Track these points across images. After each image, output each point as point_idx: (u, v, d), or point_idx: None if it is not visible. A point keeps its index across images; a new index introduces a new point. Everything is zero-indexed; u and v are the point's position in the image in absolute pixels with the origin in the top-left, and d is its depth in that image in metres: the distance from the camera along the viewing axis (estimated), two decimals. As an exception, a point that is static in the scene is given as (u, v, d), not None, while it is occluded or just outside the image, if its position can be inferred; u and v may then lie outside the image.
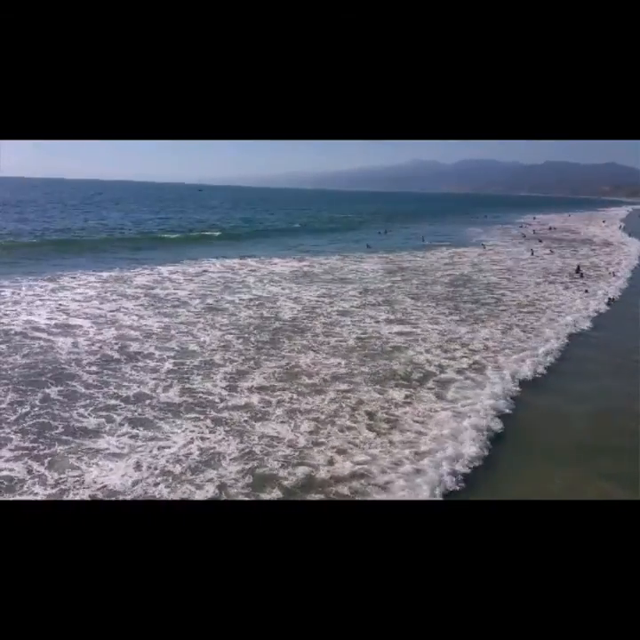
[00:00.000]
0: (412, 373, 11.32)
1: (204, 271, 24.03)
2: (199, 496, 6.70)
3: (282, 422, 8.87)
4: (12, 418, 8.64)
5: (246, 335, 13.77)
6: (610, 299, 19.94)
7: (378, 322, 15.69)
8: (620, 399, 10.43)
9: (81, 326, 14.06)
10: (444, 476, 7.32)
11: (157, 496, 6.69)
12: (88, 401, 9.41)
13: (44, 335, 13.06)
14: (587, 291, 21.68)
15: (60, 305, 16.29)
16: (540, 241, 42.28)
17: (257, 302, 17.83)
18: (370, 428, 8.76)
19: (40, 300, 16.85)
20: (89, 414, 8.90)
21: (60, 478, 7.01)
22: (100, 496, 6.68)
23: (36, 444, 7.83)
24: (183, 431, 8.41)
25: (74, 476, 7.07)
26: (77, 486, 6.85)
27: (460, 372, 11.55)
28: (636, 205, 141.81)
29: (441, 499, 6.84)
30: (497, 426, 8.90)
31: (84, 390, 9.86)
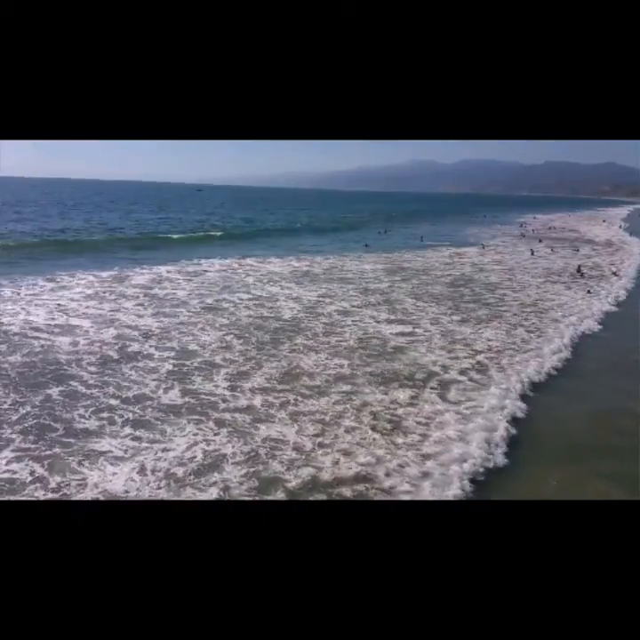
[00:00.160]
0: (416, 374, 11.24)
1: (205, 271, 23.96)
2: (204, 499, 6.61)
3: (285, 425, 8.77)
4: (14, 418, 8.55)
5: (247, 335, 13.69)
6: (615, 298, 19.87)
7: (379, 322, 15.63)
8: (623, 399, 10.36)
9: (81, 326, 13.98)
10: (453, 478, 7.26)
11: (160, 496, 6.61)
12: (89, 401, 9.32)
13: (43, 335, 12.98)
14: (589, 291, 21.62)
15: (60, 305, 16.21)
16: (541, 241, 42.24)
17: (257, 302, 17.76)
18: (374, 429, 8.68)
19: (39, 299, 16.77)
20: (90, 416, 8.81)
21: (63, 482, 6.93)
22: (102, 499, 6.59)
23: (37, 445, 7.75)
24: (185, 435, 8.31)
25: (76, 480, 6.98)
26: (81, 491, 6.76)
27: (463, 372, 11.47)
28: (637, 205, 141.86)
29: (441, 499, 6.78)
30: (501, 427, 8.82)
31: (84, 390, 9.78)
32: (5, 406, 8.95)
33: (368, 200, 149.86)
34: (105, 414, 8.88)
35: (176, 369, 11.09)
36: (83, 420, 8.67)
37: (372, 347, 13.13)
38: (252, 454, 7.77)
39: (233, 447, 7.93)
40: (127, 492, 6.75)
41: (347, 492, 6.93)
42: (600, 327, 15.95)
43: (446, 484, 7.13)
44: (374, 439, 8.36)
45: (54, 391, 9.67)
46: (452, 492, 6.95)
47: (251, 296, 18.76)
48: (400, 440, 8.37)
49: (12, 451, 7.58)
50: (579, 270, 26.54)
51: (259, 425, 8.73)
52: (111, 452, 7.72)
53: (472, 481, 7.25)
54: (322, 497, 6.81)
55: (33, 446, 7.74)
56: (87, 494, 6.69)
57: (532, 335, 14.72)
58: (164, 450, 7.79)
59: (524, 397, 10.19)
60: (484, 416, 9.21)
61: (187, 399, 9.62)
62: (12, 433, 8.08)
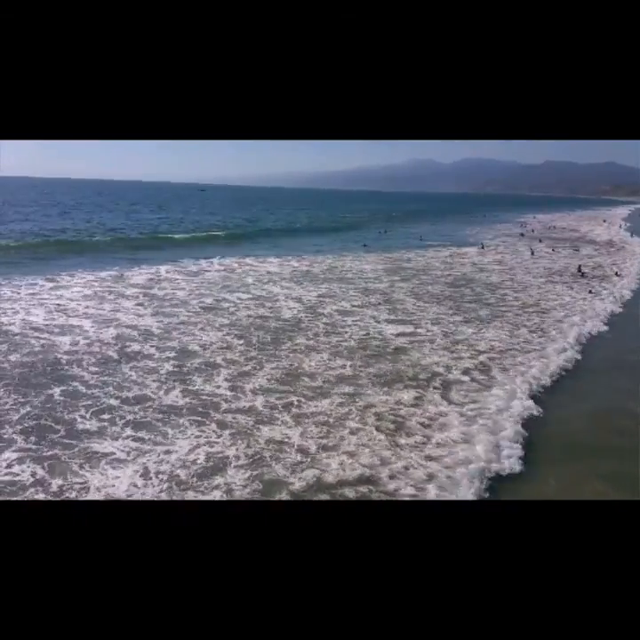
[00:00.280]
0: (419, 375, 11.18)
1: (205, 271, 23.90)
2: (204, 499, 6.54)
3: (289, 427, 8.69)
4: (15, 418, 8.49)
5: (247, 335, 13.63)
6: (618, 299, 19.83)
7: (379, 322, 15.57)
8: (624, 399, 10.30)
9: (81, 326, 13.91)
10: (459, 478, 7.22)
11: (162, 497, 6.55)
12: (89, 402, 9.26)
13: (43, 335, 12.91)
14: (591, 291, 21.56)
15: (60, 304, 16.14)
16: (541, 241, 42.25)
17: (257, 302, 17.70)
18: (378, 429, 8.61)
19: (39, 299, 16.69)
20: (91, 416, 8.74)
21: (65, 485, 6.85)
22: (102, 499, 6.52)
23: (38, 446, 7.69)
24: (188, 437, 8.23)
25: (79, 483, 6.91)
26: (84, 494, 6.69)
27: (466, 372, 11.40)
28: (637, 205, 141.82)
29: (442, 499, 6.74)
30: (506, 426, 8.77)
31: (85, 391, 9.72)
32: (6, 406, 8.89)
33: (367, 200, 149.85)
34: (106, 415, 8.81)
35: (176, 369, 11.02)
36: (84, 420, 8.60)
37: (373, 347, 13.07)
38: (256, 457, 7.70)
39: (236, 449, 7.86)
40: (130, 495, 6.68)
41: (350, 494, 6.87)
42: (604, 328, 15.89)
43: (453, 485, 7.09)
44: (379, 440, 8.29)
45: (55, 391, 9.60)
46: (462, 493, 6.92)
47: (251, 296, 18.71)
48: (403, 441, 8.31)
49: (14, 451, 7.51)
50: (579, 270, 26.49)
51: (261, 426, 8.66)
52: (113, 454, 7.65)
53: (480, 481, 7.22)
54: (326, 499, 6.74)
55: (34, 447, 7.67)
56: (90, 497, 6.61)
57: (534, 335, 14.66)
58: (166, 452, 7.72)
59: (530, 398, 10.12)
60: (489, 417, 9.15)
61: (188, 400, 9.55)
62: (13, 433, 8.02)
